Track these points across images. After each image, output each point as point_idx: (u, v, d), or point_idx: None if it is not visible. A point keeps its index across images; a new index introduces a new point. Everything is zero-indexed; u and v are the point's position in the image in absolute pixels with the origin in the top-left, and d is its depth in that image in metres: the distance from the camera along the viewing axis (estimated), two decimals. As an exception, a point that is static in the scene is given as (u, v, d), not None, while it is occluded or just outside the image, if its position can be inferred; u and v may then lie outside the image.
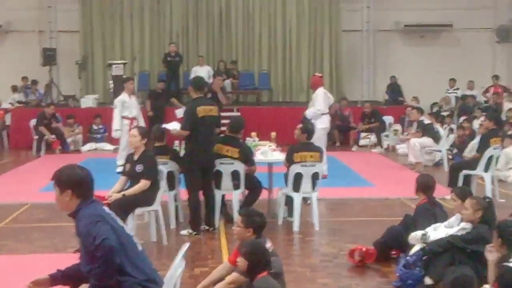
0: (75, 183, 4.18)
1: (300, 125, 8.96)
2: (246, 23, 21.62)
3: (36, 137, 16.84)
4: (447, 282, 4.27)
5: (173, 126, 8.73)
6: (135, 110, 13.18)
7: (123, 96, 13.15)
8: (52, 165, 4.34)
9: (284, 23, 21.62)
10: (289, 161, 8.67)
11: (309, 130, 8.92)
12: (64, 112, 18.31)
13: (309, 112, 12.24)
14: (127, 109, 12.98)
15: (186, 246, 4.35)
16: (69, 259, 4.48)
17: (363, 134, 18.26)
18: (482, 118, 14.75)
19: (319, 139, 11.19)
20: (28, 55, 20.58)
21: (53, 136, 16.77)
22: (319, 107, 12.19)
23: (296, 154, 8.64)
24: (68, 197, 4.17)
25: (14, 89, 20.30)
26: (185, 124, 8.30)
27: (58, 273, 4.32)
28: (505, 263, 4.83)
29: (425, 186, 7.16)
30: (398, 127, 18.05)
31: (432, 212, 7.00)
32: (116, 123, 13.02)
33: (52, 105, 17.72)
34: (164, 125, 9.06)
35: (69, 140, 17.59)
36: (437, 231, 6.34)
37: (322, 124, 12.08)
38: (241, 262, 4.97)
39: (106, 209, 4.34)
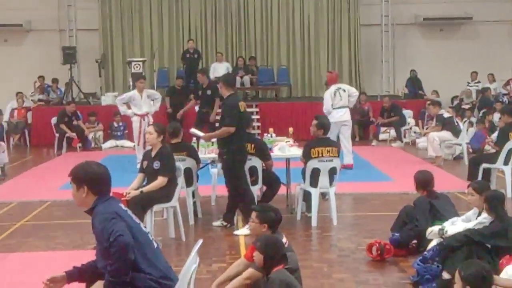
0: (91, 180, 4.22)
1: (315, 121, 8.93)
2: (264, 19, 21.63)
3: (57, 135, 16.98)
4: (465, 275, 4.18)
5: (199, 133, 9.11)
6: (145, 107, 13.47)
7: (133, 93, 13.63)
8: (72, 163, 4.38)
9: (303, 18, 21.59)
10: (306, 156, 8.66)
11: (324, 125, 8.89)
12: (85, 110, 18.47)
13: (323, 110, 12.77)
14: (135, 106, 13.34)
15: (199, 242, 4.37)
16: (88, 256, 4.51)
17: (382, 129, 18.20)
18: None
19: (331, 133, 11.57)
20: (49, 54, 20.78)
21: (74, 134, 16.92)
22: (325, 108, 12.83)
23: (313, 150, 8.62)
24: (84, 194, 4.21)
25: (36, 88, 20.45)
26: (232, 120, 8.22)
27: (74, 270, 4.36)
28: None
29: (423, 182, 7.33)
30: (416, 128, 17.90)
31: (428, 202, 7.14)
32: (121, 109, 13.93)
33: (72, 103, 17.86)
34: (192, 130, 9.24)
35: (90, 137, 17.75)
36: (455, 226, 6.31)
37: (331, 119, 12.17)
38: (257, 256, 4.98)
39: (122, 206, 4.37)
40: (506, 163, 10.37)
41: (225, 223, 8.53)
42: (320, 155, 8.60)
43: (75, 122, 17.20)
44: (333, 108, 12.80)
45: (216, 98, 14.12)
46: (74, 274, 4.35)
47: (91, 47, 21.14)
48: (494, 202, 6.02)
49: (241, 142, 8.34)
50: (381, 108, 18.32)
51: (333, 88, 13.07)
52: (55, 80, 20.48)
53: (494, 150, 11.17)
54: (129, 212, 4.35)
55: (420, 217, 7.05)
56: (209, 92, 14.46)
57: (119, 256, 3.97)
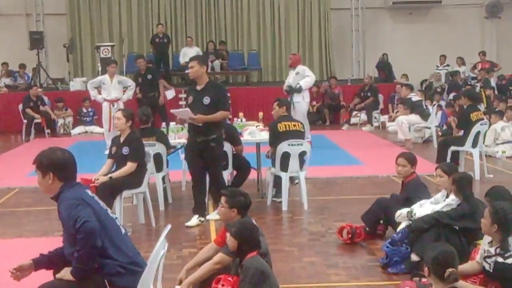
0: (57, 166, 4.17)
1: (276, 102, 8.99)
2: (234, 3, 21.56)
3: (25, 121, 16.77)
4: (428, 259, 4.26)
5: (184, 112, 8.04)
6: (115, 93, 13.44)
7: (103, 77, 13.70)
8: (41, 149, 4.31)
9: (273, 2, 21.59)
10: (274, 136, 8.66)
11: (287, 102, 9.16)
12: (53, 96, 18.26)
13: (304, 82, 13.40)
14: (105, 90, 13.34)
15: (168, 227, 4.33)
16: (57, 242, 4.46)
17: (353, 113, 18.22)
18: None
19: (302, 113, 13.23)
20: (16, 39, 20.46)
21: (39, 116, 16.79)
22: (313, 75, 13.69)
23: (279, 124, 8.69)
24: (50, 180, 4.17)
25: (3, 73, 20.13)
26: (228, 104, 8.31)
27: (42, 257, 4.31)
28: (503, 261, 4.82)
29: (414, 159, 7.16)
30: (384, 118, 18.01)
31: (424, 185, 7.11)
32: (92, 93, 13.96)
33: (36, 86, 17.65)
34: (173, 111, 8.35)
35: (59, 123, 17.57)
36: (423, 208, 6.35)
37: (306, 98, 13.73)
38: (231, 241, 4.94)
39: (89, 192, 4.33)
40: (474, 145, 10.49)
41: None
42: (288, 128, 8.68)
43: (42, 108, 16.99)
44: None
45: (159, 81, 14.88)
46: (42, 262, 4.30)
47: (59, 32, 20.87)
48: (461, 184, 6.06)
49: (222, 130, 8.12)
50: (360, 87, 18.34)
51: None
52: (22, 66, 20.18)
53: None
54: (96, 198, 4.31)
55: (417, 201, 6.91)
56: (149, 76, 14.72)
57: (85, 243, 3.93)
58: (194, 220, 7.94)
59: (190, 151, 8.04)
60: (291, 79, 13.62)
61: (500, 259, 4.85)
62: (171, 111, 8.48)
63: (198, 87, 7.85)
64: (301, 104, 13.49)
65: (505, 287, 4.81)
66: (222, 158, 8.24)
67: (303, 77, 13.46)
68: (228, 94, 8.24)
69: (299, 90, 13.29)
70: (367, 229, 7.17)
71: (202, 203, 8.11)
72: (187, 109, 7.78)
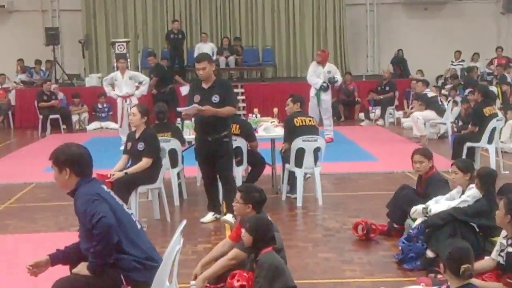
0: (73, 161, 4.19)
1: (289, 98, 9.01)
2: (249, -1, 21.51)
3: (41, 117, 16.87)
4: (444, 255, 4.24)
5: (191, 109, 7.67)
6: (126, 88, 13.51)
7: (115, 73, 13.77)
8: (56, 144, 4.34)
9: (288, -2, 21.51)
10: (290, 131, 8.68)
11: (301, 99, 9.13)
12: (69, 92, 18.35)
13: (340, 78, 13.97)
14: (117, 86, 13.44)
15: (183, 223, 4.35)
16: (73, 238, 4.49)
17: (370, 108, 18.16)
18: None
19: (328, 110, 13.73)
20: (32, 35, 20.60)
21: (56, 102, 17.08)
22: (341, 77, 14.03)
23: (296, 119, 8.72)
24: (67, 176, 4.19)
25: (19, 69, 20.24)
26: (236, 100, 8.18)
27: (58, 253, 4.34)
28: None
29: (430, 154, 7.06)
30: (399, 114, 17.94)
31: (446, 181, 6.99)
32: (106, 90, 13.98)
33: (49, 81, 17.74)
34: (180, 109, 8.04)
35: (74, 119, 17.66)
36: (439, 204, 6.32)
37: (330, 96, 14.05)
38: (246, 237, 4.95)
39: (105, 187, 4.35)
40: (489, 142, 10.44)
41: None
42: (304, 123, 8.72)
43: (53, 101, 17.07)
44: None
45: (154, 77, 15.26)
46: (58, 257, 4.32)
47: (75, 28, 20.98)
48: (486, 180, 6.00)
49: (231, 126, 7.90)
50: (378, 81, 18.28)
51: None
52: (38, 62, 20.30)
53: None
54: (112, 193, 4.34)
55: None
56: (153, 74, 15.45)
57: (102, 238, 3.96)
58: (209, 216, 7.89)
59: (202, 152, 7.76)
60: (322, 76, 13.63)
61: (510, 249, 4.83)
62: (178, 109, 8.21)
63: (205, 85, 7.48)
64: (327, 101, 13.74)
65: None
66: (233, 153, 7.97)
67: (334, 76, 13.70)
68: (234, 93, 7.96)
69: (335, 82, 13.70)
70: (395, 226, 7.07)
71: (216, 200, 8.00)
72: (195, 105, 7.40)
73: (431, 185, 6.89)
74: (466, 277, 4.17)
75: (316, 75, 13.69)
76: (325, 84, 13.56)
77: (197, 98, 7.48)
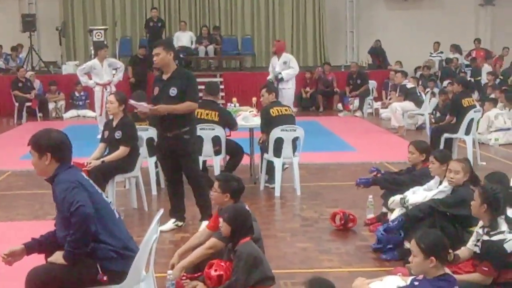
0: (54, 146, 4.13)
1: (263, 89, 8.97)
2: (228, -13, 21.41)
3: (16, 104, 16.70)
4: (429, 244, 4.13)
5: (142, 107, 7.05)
6: (106, 76, 13.41)
7: (93, 62, 13.57)
8: (33, 132, 4.26)
9: (267, -13, 21.43)
10: (267, 122, 8.65)
11: (275, 88, 9.21)
12: (46, 79, 18.15)
13: (286, 74, 12.65)
14: (97, 75, 13.27)
15: (160, 212, 4.32)
16: (48, 226, 4.44)
17: (349, 99, 18.12)
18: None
19: (290, 100, 12.51)
20: (8, 22, 20.26)
21: (31, 95, 16.87)
22: (297, 67, 12.91)
23: (272, 109, 8.70)
24: (47, 161, 4.12)
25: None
26: (197, 96, 7.20)
27: (33, 241, 4.28)
28: (489, 238, 4.84)
29: (423, 147, 7.03)
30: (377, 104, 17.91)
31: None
32: (82, 79, 13.81)
33: (23, 68, 17.55)
34: (132, 102, 7.28)
35: (51, 107, 17.50)
36: (416, 194, 6.33)
37: (293, 85, 13.03)
38: (224, 227, 4.93)
39: (84, 175, 4.29)
40: (467, 133, 10.51)
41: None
42: (280, 112, 8.71)
43: (31, 90, 16.88)
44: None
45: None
46: (33, 246, 4.27)
47: (52, 14, 20.72)
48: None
49: (195, 122, 7.36)
50: (348, 74, 18.27)
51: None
52: (14, 48, 20.05)
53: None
54: (91, 181, 4.28)
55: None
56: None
57: (79, 227, 3.90)
58: (169, 224, 7.15)
59: (161, 150, 7.22)
60: (277, 67, 12.78)
61: (485, 237, 4.86)
62: (130, 102, 7.37)
63: (165, 76, 6.87)
64: (288, 90, 12.86)
65: (494, 265, 4.78)
66: (197, 151, 7.40)
67: (289, 67, 12.76)
68: (197, 86, 7.12)
69: (280, 80, 12.55)
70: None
71: (179, 205, 7.26)
72: (144, 104, 6.94)
73: (415, 174, 6.83)
74: (453, 262, 4.17)
75: (272, 66, 13.12)
76: (272, 78, 12.76)
77: (156, 90, 6.96)
